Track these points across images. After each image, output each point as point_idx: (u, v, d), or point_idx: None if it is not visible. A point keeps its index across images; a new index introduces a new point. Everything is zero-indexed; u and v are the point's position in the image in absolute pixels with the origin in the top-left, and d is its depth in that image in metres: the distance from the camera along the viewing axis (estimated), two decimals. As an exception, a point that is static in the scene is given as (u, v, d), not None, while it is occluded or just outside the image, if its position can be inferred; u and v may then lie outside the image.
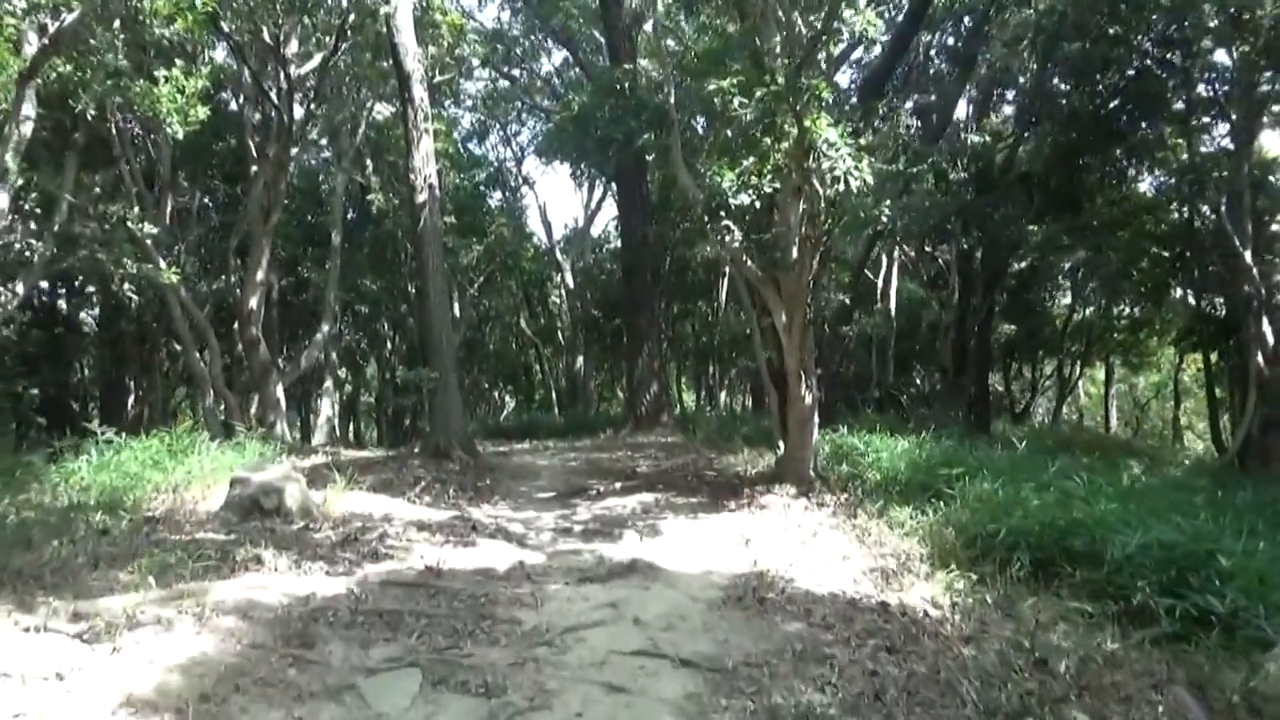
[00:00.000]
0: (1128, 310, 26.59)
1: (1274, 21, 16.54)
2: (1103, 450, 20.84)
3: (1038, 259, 19.09)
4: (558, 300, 31.17)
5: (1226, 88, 17.91)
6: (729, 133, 8.90)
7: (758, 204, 8.37)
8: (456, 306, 21.98)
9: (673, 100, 9.69)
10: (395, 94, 15.04)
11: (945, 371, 17.40)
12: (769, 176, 8.45)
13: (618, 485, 9.85)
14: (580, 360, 28.56)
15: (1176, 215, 22.39)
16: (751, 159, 8.22)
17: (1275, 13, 16.51)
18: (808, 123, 7.07)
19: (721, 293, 23.11)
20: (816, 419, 9.54)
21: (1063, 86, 18.15)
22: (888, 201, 8.25)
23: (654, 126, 10.84)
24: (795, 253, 8.89)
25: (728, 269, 24.78)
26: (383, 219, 20.34)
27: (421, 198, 12.49)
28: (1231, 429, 22.11)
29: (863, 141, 7.35)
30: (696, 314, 27.82)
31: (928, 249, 16.78)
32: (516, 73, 24.11)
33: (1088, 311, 27.57)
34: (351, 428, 33.64)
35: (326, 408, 21.73)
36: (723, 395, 26.78)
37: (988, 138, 18.07)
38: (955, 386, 17.75)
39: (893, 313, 19.99)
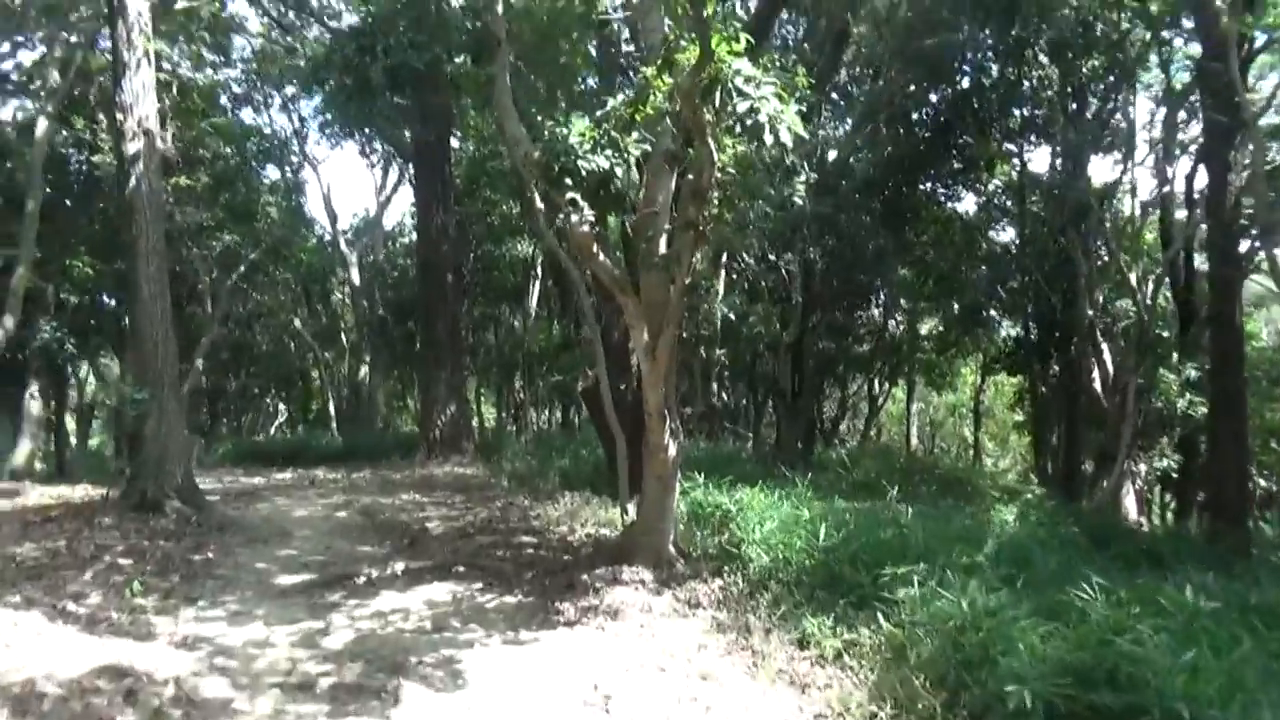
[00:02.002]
0: (940, 330, 26.27)
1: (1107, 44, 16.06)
2: (943, 483, 19.92)
3: (868, 275, 17.78)
4: (342, 299, 27.25)
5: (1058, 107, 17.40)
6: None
7: (618, 171, 5.76)
8: (210, 300, 17.92)
9: (500, 9, 6.84)
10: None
11: (783, 395, 15.60)
12: (635, 136, 5.88)
13: (399, 567, 6.89)
14: (365, 369, 24.88)
15: (1002, 235, 22.20)
16: (615, 104, 5.61)
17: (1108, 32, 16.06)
18: (716, 44, 4.56)
19: (533, 297, 20.35)
20: (679, 475, 7.06)
21: (910, 89, 16.89)
22: (801, 178, 5.87)
23: (471, 51, 7.98)
24: (666, 244, 6.37)
25: (540, 268, 22.02)
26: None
27: (133, 147, 8.98)
28: (1052, 459, 21.93)
29: (799, 82, 4.88)
30: (503, 321, 24.85)
31: (771, 257, 14.97)
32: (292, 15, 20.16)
33: (899, 329, 27.15)
34: (85, 444, 28.16)
35: (30, 422, 17.08)
36: (531, 413, 23.94)
37: (835, 137, 16.54)
38: (794, 410, 15.97)
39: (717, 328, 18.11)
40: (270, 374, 31.11)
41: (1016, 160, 21.67)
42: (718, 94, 4.73)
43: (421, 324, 16.75)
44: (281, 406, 34.75)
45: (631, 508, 7.12)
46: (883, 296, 21.98)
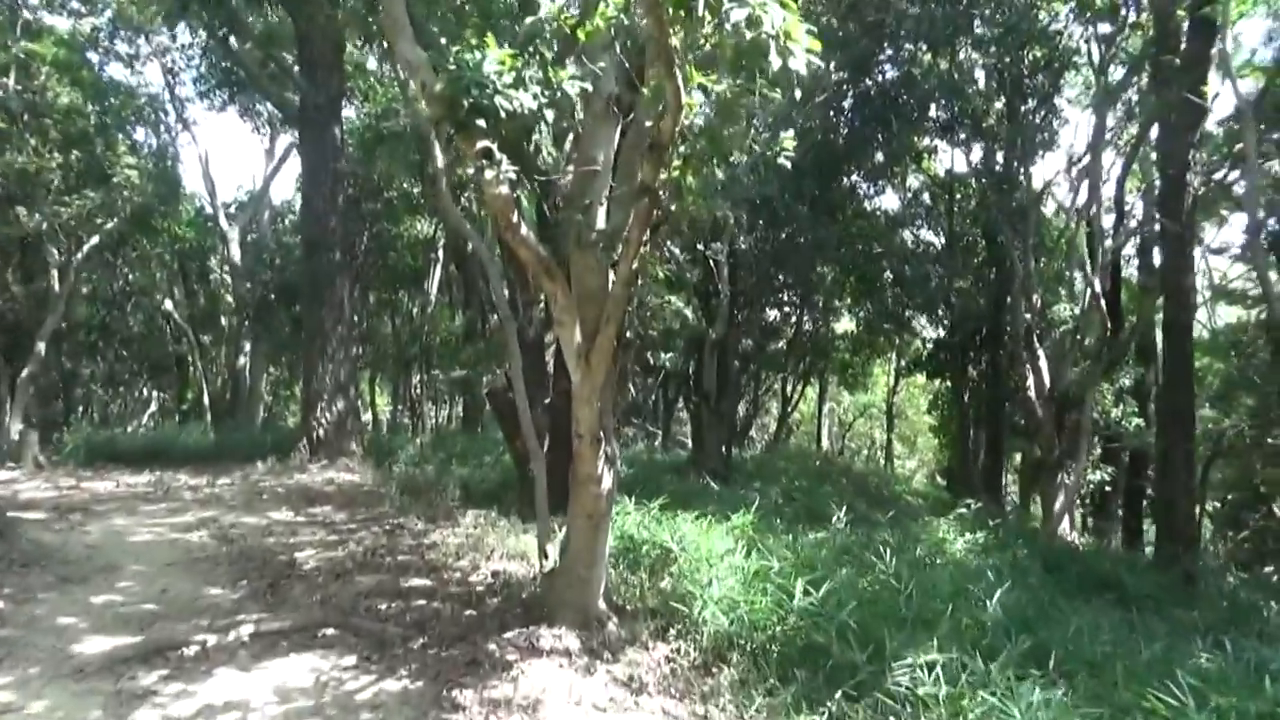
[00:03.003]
0: (859, 329, 25.60)
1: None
2: (861, 488, 19.09)
3: (797, 269, 16.73)
4: (221, 278, 24.79)
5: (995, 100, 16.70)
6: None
7: (547, 115, 4.30)
8: (56, 275, 15.54)
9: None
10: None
11: (706, 398, 14.36)
12: (570, 70, 4.42)
13: (248, 630, 5.26)
14: (245, 357, 22.59)
15: (924, 234, 21.56)
16: (550, 10, 4.14)
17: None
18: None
19: (433, 282, 18.56)
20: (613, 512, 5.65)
21: (843, 75, 15.86)
22: (791, 133, 4.51)
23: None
24: (607, 217, 4.95)
25: (443, 251, 20.13)
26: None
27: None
28: (968, 463, 21.39)
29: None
30: (400, 308, 22.89)
31: (699, 245, 13.68)
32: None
33: (816, 327, 26.37)
34: None
35: None
36: (429, 409, 22.07)
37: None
38: (718, 414, 14.75)
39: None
40: (141, 359, 28.38)
41: (945, 157, 21.08)
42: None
43: (305, 309, 14.82)
44: (156, 394, 31.88)
45: (551, 548, 5.65)
46: (801, 293, 21.05)
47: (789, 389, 29.82)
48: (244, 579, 6.84)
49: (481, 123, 4.14)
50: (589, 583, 5.35)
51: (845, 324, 26.32)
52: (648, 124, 4.29)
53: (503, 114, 4.16)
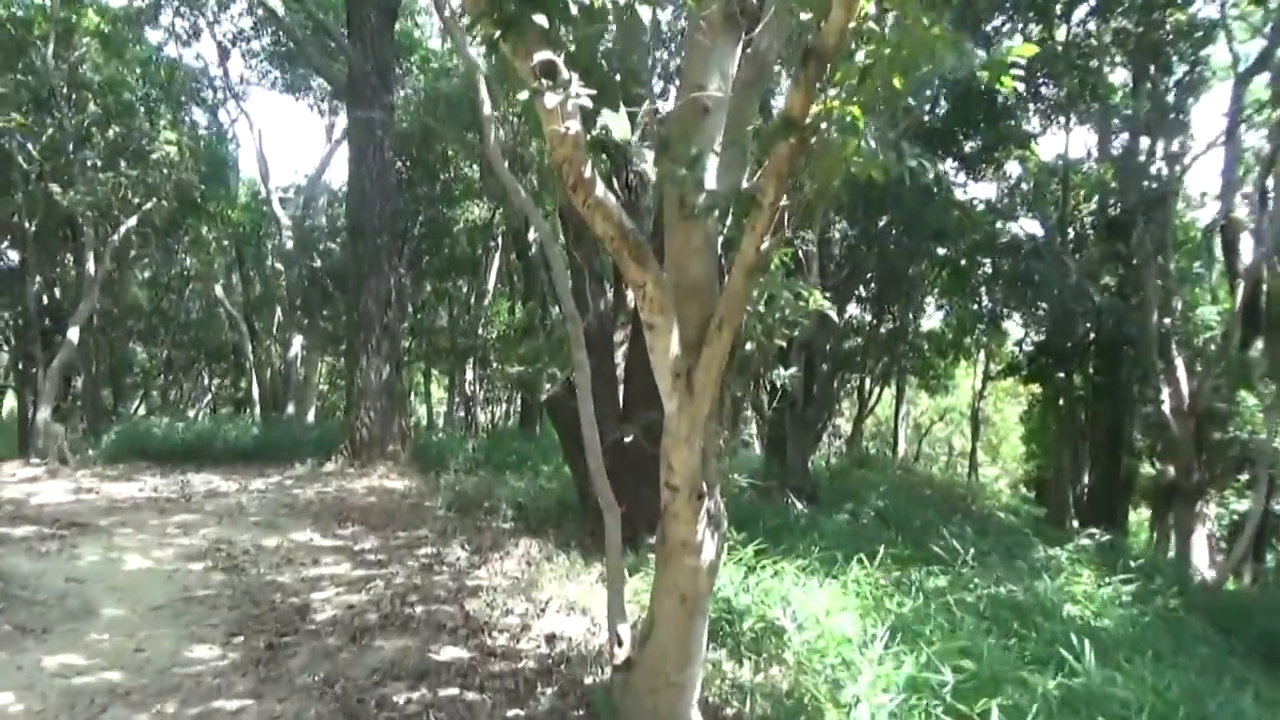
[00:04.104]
0: (948, 327, 23.69)
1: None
2: (949, 502, 17.31)
3: (894, 262, 15.03)
4: (274, 266, 23.87)
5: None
6: None
7: (641, 11, 2.79)
8: (92, 258, 14.55)
9: None
10: None
11: (792, 405, 12.76)
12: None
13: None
14: (296, 347, 21.60)
15: (1025, 226, 19.57)
16: None
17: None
18: None
19: (491, 271, 17.22)
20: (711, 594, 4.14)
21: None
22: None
23: None
24: (726, 171, 3.46)
25: (501, 236, 18.74)
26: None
27: None
28: (1070, 481, 19.35)
29: None
30: (455, 299, 21.64)
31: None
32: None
33: (896, 325, 24.49)
34: None
35: None
36: (483, 408, 20.77)
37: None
38: (802, 423, 13.13)
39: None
40: (198, 346, 27.77)
41: (1056, 140, 19.05)
42: None
43: (350, 300, 13.59)
44: (214, 382, 31.36)
45: (625, 631, 4.15)
46: (890, 288, 19.24)
47: (866, 390, 27.95)
48: (240, 633, 5.49)
49: (541, 20, 2.64)
50: (681, 689, 3.85)
51: (929, 322, 24.49)
52: (809, 37, 2.74)
53: (571, 6, 2.68)
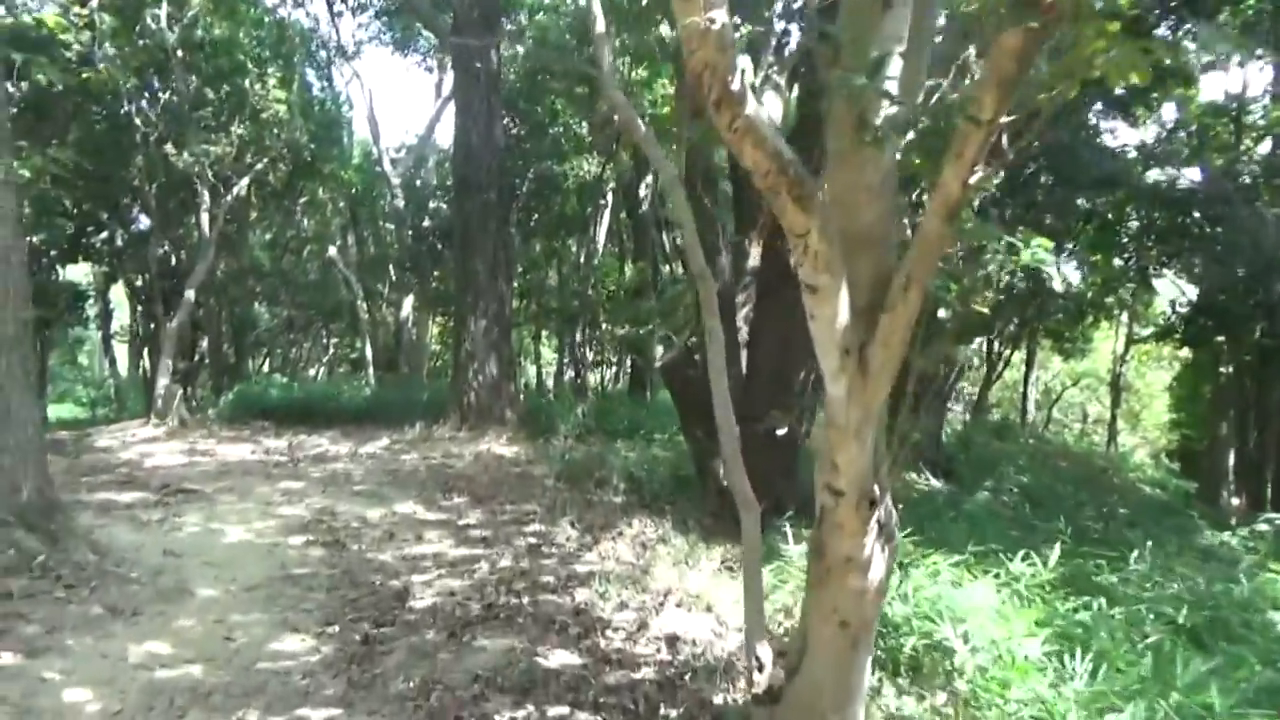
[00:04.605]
0: (1084, 285, 21.85)
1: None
2: (1089, 475, 15.97)
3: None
4: (385, 226, 23.89)
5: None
6: None
7: None
8: (205, 219, 14.59)
9: None
10: None
11: (924, 372, 11.71)
12: None
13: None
14: (408, 308, 21.60)
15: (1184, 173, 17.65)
16: None
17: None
18: None
19: (601, 228, 16.59)
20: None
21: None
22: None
23: None
24: (905, 85, 2.63)
25: (611, 193, 18.06)
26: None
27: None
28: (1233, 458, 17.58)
29: None
30: (564, 258, 21.15)
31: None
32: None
33: (1030, 283, 22.73)
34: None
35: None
36: (593, 369, 20.24)
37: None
38: (939, 395, 12.08)
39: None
40: (316, 306, 28.30)
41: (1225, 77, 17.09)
42: None
43: (457, 258, 13.18)
44: (332, 342, 32.06)
45: (766, 653, 3.44)
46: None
47: (994, 353, 26.26)
48: (335, 622, 5.05)
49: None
50: (838, 731, 3.12)
51: (1062, 280, 22.64)
52: None
53: None
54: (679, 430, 11.50)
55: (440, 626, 4.96)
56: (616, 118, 7.31)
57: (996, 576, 5.25)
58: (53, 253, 17.69)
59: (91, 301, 23.09)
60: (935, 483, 10.54)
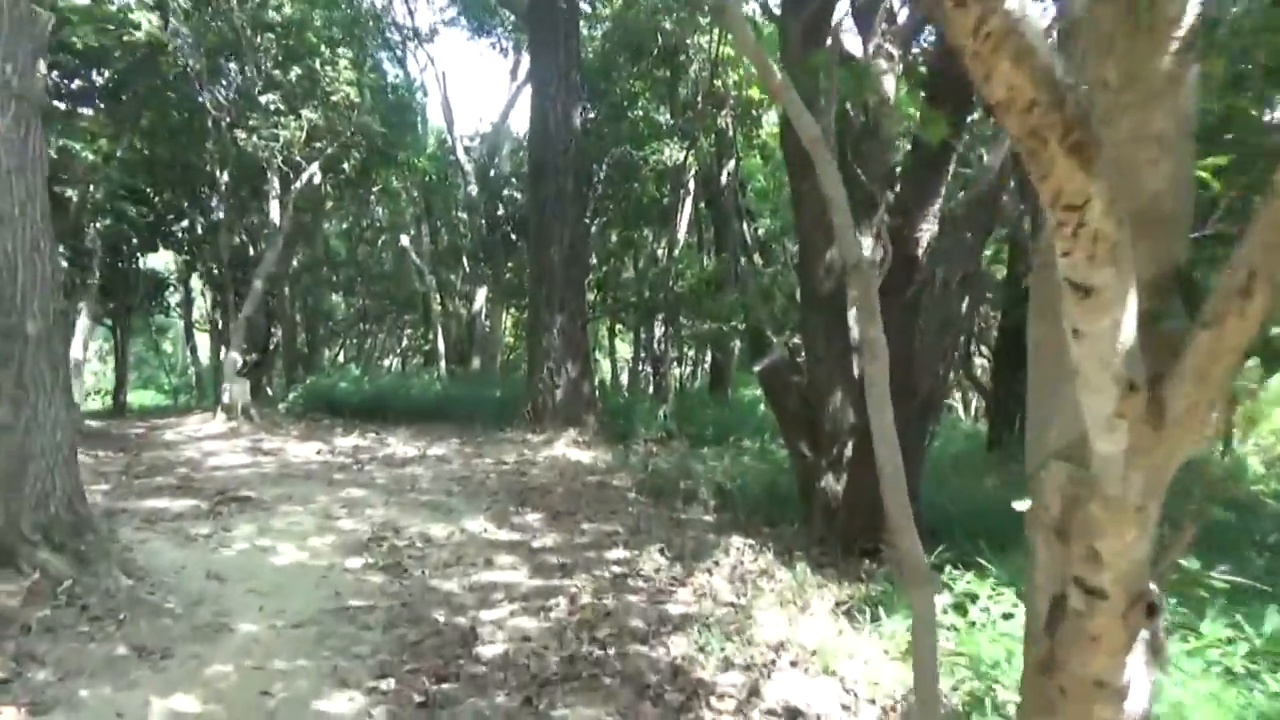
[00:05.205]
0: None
1: None
2: (1205, 487, 14.52)
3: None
4: (458, 215, 23.39)
5: None
6: None
7: None
8: (275, 207, 14.16)
9: None
10: None
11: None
12: None
13: None
14: (481, 300, 21.05)
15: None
16: None
17: None
18: None
19: (682, 219, 15.68)
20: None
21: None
22: None
23: None
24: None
25: (693, 180, 17.13)
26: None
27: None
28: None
29: None
30: (640, 248, 20.31)
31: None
32: None
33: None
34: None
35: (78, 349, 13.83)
36: (669, 369, 19.32)
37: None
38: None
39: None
40: (390, 297, 28.06)
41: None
42: None
43: (531, 249, 12.46)
44: (406, 333, 31.86)
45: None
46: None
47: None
48: (392, 674, 4.29)
49: None
50: None
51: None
52: None
53: None
54: (770, 438, 10.59)
55: (513, 685, 4.16)
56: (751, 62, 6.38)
57: (1184, 640, 4.23)
58: (134, 240, 17.62)
59: (172, 290, 23.20)
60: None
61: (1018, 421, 12.49)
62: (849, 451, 6.53)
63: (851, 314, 7.05)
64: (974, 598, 4.69)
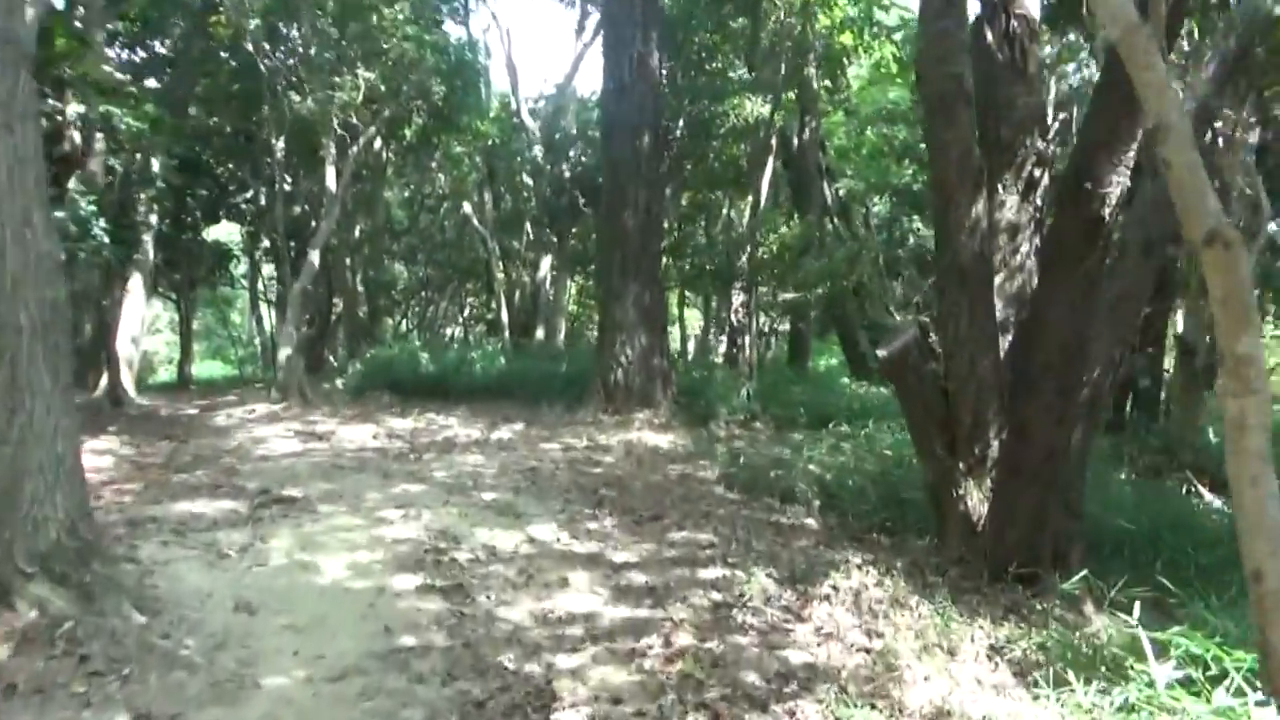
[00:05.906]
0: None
1: None
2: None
3: None
4: (523, 180, 22.41)
5: None
6: None
7: None
8: (331, 174, 13.35)
9: None
10: None
11: (1189, 352, 9.20)
12: None
13: None
14: (545, 268, 20.13)
15: None
16: None
17: None
18: None
19: (764, 180, 14.43)
20: None
21: None
22: None
23: None
24: None
25: (777, 137, 15.85)
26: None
27: None
28: None
29: None
30: (715, 212, 19.08)
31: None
32: None
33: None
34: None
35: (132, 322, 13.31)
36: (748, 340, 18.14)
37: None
38: (1195, 375, 9.57)
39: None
40: (454, 265, 27.37)
41: None
42: None
43: (601, 215, 11.44)
44: (468, 301, 31.22)
45: None
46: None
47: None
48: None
49: None
50: None
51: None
52: None
53: None
54: (867, 414, 9.47)
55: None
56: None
57: None
58: (197, 213, 17.14)
59: (237, 261, 22.83)
60: (1205, 495, 8.15)
61: (1136, 401, 11.14)
62: (993, 452, 5.43)
63: (1003, 288, 5.87)
64: (1201, 663, 3.56)
